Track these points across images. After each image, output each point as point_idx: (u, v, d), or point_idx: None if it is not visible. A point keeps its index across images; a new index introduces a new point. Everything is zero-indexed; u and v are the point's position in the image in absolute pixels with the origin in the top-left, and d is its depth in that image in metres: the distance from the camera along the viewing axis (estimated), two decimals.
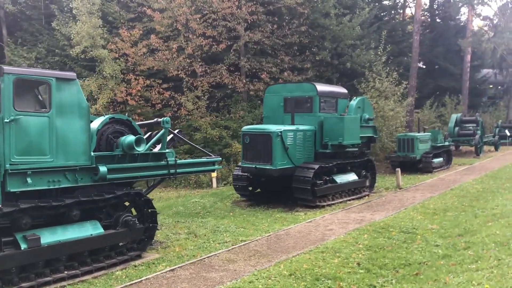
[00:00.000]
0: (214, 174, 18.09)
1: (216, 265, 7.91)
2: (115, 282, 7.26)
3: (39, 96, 8.11)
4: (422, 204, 12.71)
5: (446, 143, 22.60)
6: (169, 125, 9.16)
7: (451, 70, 37.32)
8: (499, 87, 50.41)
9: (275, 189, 14.07)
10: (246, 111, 22.76)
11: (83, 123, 7.82)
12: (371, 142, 16.52)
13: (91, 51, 20.71)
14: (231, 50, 22.22)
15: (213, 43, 21.74)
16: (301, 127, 13.59)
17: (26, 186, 7.05)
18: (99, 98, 20.60)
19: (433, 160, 20.28)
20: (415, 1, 31.44)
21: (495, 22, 36.84)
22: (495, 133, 31.92)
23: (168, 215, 12.58)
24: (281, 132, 12.69)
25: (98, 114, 15.17)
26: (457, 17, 40.83)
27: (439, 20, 40.72)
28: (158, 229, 9.46)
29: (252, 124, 19.46)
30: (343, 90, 15.50)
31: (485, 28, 39.26)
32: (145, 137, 9.42)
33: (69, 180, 7.69)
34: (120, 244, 8.36)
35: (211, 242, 9.48)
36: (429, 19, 41.65)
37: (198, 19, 21.61)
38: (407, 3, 39.83)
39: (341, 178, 14.00)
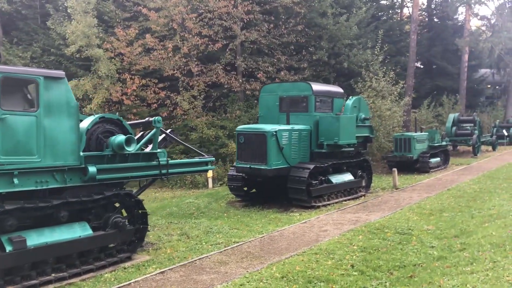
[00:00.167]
0: (210, 174, 17.95)
1: (207, 267, 7.77)
2: (104, 285, 7.12)
3: (28, 95, 7.96)
4: (419, 205, 12.59)
5: (443, 143, 22.50)
6: (160, 124, 9.01)
7: (448, 69, 37.24)
8: (497, 87, 50.41)
9: (271, 189, 13.92)
10: (242, 110, 22.62)
11: (72, 123, 7.67)
12: (367, 142, 16.39)
13: (86, 50, 20.55)
14: (227, 50, 22.06)
15: (209, 42, 21.59)
16: (296, 127, 13.46)
17: (13, 187, 6.90)
18: (94, 98, 20.43)
19: (430, 160, 20.17)
20: (412, 1, 31.34)
21: (492, 21, 36.83)
22: (492, 133, 31.84)
23: (161, 215, 12.44)
24: (276, 131, 12.56)
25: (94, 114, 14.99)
26: (454, 17, 40.81)
27: (437, 20, 40.66)
28: (148, 230, 9.31)
29: (248, 123, 19.33)
30: (339, 90, 15.37)
31: (483, 28, 39.23)
32: (137, 137, 9.29)
33: (58, 181, 7.54)
34: (110, 245, 8.22)
35: (203, 243, 9.33)
36: (426, 19, 41.59)
37: (194, 18, 21.46)
38: (404, 3, 39.73)
39: (337, 178, 13.87)
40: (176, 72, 21.42)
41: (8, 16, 28.16)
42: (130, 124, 9.14)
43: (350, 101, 15.17)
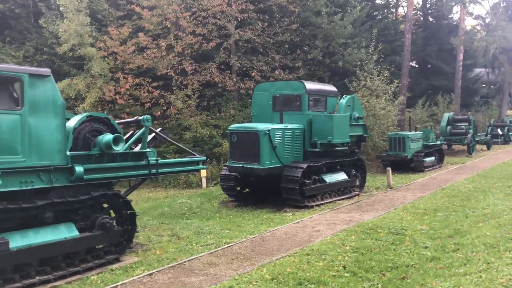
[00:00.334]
0: (204, 174, 17.78)
1: (197, 269, 7.61)
2: (90, 287, 6.96)
3: (13, 93, 7.78)
4: (413, 204, 12.47)
5: (438, 142, 22.43)
6: (149, 123, 8.85)
7: (443, 69, 37.20)
8: (492, 86, 50.49)
9: (264, 189, 13.79)
10: (237, 109, 22.48)
11: (58, 121, 7.49)
12: (361, 141, 16.26)
13: (79, 49, 20.36)
14: (222, 48, 21.90)
15: (203, 41, 21.44)
16: (290, 126, 13.32)
17: None
18: (87, 97, 20.25)
19: (424, 159, 20.09)
20: (407, 0, 31.25)
21: (487, 21, 36.80)
22: (487, 132, 31.84)
23: (153, 216, 12.28)
24: (268, 130, 12.41)
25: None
26: (449, 16, 40.79)
27: (432, 19, 40.61)
28: (137, 231, 9.14)
29: (243, 123, 19.18)
30: (333, 88, 15.25)
31: (478, 27, 39.22)
32: (126, 136, 9.13)
33: (43, 181, 7.36)
34: (98, 247, 8.05)
35: (194, 244, 9.17)
36: (421, 18, 41.56)
37: (188, 17, 21.31)
38: (400, 2, 39.70)
39: (331, 178, 13.74)
40: (170, 71, 21.27)
41: (1, 15, 27.90)
42: (119, 123, 8.98)
43: (343, 100, 15.05)
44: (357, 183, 14.99)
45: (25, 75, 7.09)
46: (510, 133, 34.90)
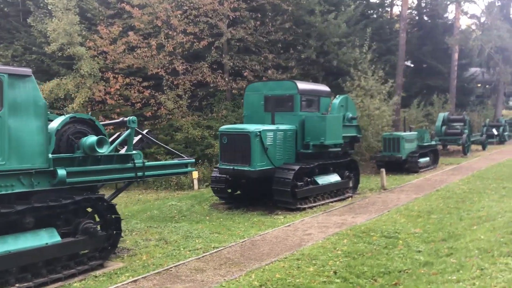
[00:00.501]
0: (195, 176, 17.53)
1: (183, 275, 7.37)
2: None
3: None
4: (406, 206, 12.27)
5: (433, 143, 22.27)
6: (135, 124, 8.60)
7: (439, 68, 37.08)
8: (487, 86, 50.48)
9: (255, 191, 13.54)
10: (229, 110, 22.21)
11: (39, 123, 7.23)
12: (354, 142, 16.06)
13: (68, 48, 20.04)
14: (213, 48, 21.61)
15: (195, 40, 21.17)
16: (281, 127, 13.09)
17: None
18: (76, 97, 19.93)
19: (419, 160, 19.91)
20: None
21: (482, 20, 36.72)
22: (482, 132, 31.75)
23: (141, 219, 12.00)
24: (260, 132, 12.16)
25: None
26: (444, 15, 40.69)
27: (427, 18, 40.48)
28: (122, 237, 8.88)
29: (235, 123, 18.92)
30: (326, 88, 15.02)
31: (473, 27, 39.13)
32: (111, 138, 8.87)
33: (24, 185, 7.10)
34: (81, 253, 7.79)
35: (181, 249, 8.91)
36: (416, 17, 41.43)
37: (179, 16, 21.02)
38: (394, 1, 39.51)
39: (323, 179, 13.51)
40: (161, 71, 20.99)
41: None
42: (103, 125, 8.72)
43: (337, 100, 14.83)
44: (350, 184, 14.78)
45: (5, 75, 6.82)
46: (505, 133, 34.88)
